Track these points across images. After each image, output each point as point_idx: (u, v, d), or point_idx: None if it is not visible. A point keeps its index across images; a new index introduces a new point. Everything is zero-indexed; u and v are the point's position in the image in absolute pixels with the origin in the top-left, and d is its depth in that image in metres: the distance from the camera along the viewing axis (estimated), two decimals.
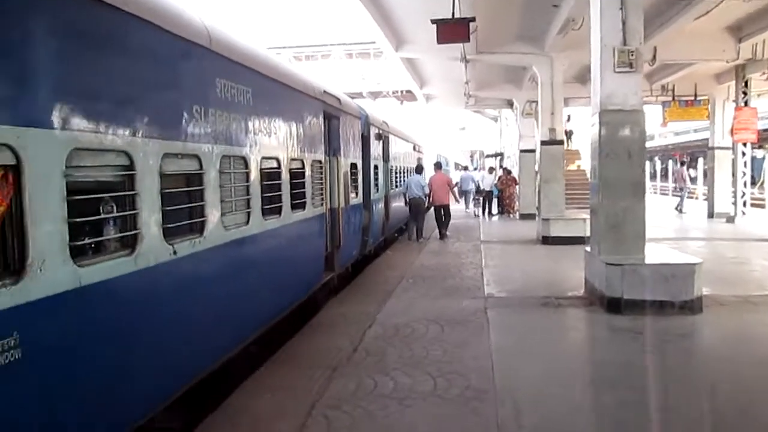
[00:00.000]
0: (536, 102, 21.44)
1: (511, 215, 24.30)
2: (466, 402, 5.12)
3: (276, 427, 4.73)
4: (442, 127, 52.34)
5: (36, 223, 3.16)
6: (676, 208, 24.26)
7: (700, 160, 34.89)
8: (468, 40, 10.26)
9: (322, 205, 9.05)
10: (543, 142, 16.01)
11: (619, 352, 6.44)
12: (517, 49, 15.77)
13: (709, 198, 22.14)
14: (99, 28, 3.84)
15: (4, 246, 3.10)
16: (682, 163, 28.26)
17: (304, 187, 7.99)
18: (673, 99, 22.36)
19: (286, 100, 7.55)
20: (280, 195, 7.10)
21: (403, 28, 15.10)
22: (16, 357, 2.97)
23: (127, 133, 4.02)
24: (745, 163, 20.76)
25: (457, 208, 21.74)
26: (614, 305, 7.82)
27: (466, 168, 36.56)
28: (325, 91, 9.31)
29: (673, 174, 29.43)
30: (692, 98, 22.12)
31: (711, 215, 21.64)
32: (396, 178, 17.41)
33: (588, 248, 9.18)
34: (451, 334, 7.18)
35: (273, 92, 7.02)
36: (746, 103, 19.69)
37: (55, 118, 3.34)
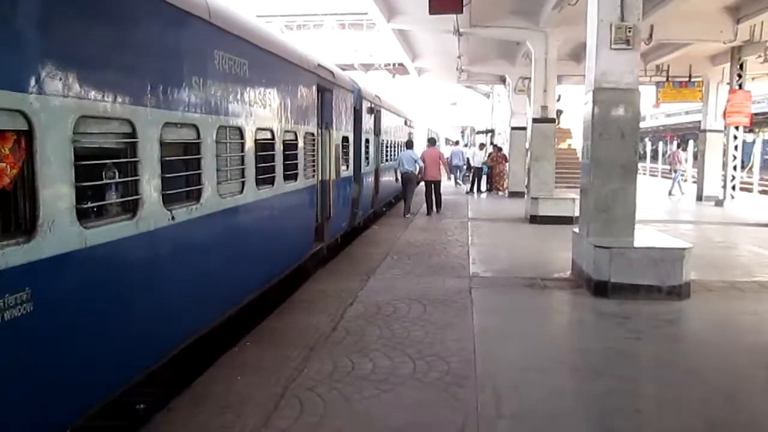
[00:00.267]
0: (529, 79, 21.16)
1: (500, 193, 24.12)
2: (445, 387, 4.94)
3: (244, 411, 4.52)
4: (434, 102, 51.84)
5: (46, 185, 3.34)
6: (670, 193, 24.15)
7: (690, 143, 34.90)
8: (461, 11, 9.95)
9: (313, 176, 9.21)
10: (535, 120, 15.75)
11: (604, 338, 6.28)
12: (512, 23, 15.42)
13: (699, 181, 22.06)
14: (109, 7, 4.01)
15: (16, 207, 3.30)
16: (678, 145, 28.06)
17: (296, 159, 8.13)
18: (667, 79, 22.11)
19: (281, 72, 7.65)
20: (273, 165, 7.24)
21: None
22: (28, 310, 3.18)
23: (130, 101, 4.15)
24: (736, 146, 20.67)
25: (446, 183, 21.61)
26: (601, 289, 7.67)
27: (456, 143, 36.16)
28: (319, 65, 9.37)
29: (666, 156, 29.18)
30: (686, 79, 21.89)
31: (700, 198, 21.58)
32: (387, 152, 17.43)
33: (576, 229, 9.00)
34: (434, 315, 7.00)
35: (269, 64, 7.12)
36: (740, 86, 19.53)
37: (64, 86, 3.48)
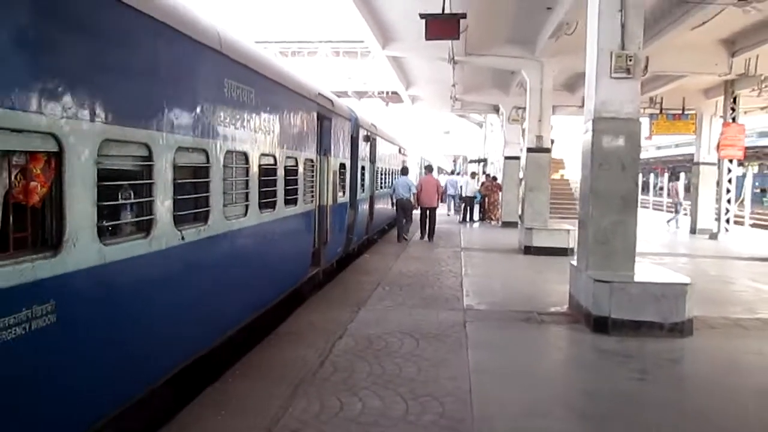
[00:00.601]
0: (523, 108, 21.11)
1: (493, 222, 23.92)
2: None
3: None
4: (427, 130, 51.96)
5: (72, 204, 3.55)
6: (668, 222, 24.07)
7: (682, 175, 34.93)
8: (457, 37, 9.79)
9: (312, 201, 9.52)
10: (529, 149, 15.59)
11: (607, 379, 5.96)
12: (507, 52, 15.35)
13: (693, 214, 21.93)
14: (132, 39, 4.32)
15: (43, 223, 3.49)
16: (676, 178, 27.89)
17: (296, 184, 8.41)
18: (661, 112, 22.13)
19: (285, 100, 7.92)
20: (275, 190, 7.48)
21: (391, 24, 14.61)
22: (52, 321, 3.34)
23: (147, 126, 4.39)
24: (729, 179, 20.56)
25: (439, 212, 21.37)
26: (601, 324, 7.37)
27: (452, 173, 35.90)
28: (319, 93, 9.74)
29: (669, 190, 29.09)
30: (680, 112, 21.91)
31: (693, 231, 21.43)
32: (381, 179, 17.75)
33: (574, 262, 8.72)
34: (427, 350, 6.67)
35: (273, 93, 7.40)
36: (734, 119, 19.49)
37: (91, 112, 3.73)
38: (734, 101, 19.43)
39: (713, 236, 19.94)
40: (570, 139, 30.22)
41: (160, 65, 4.70)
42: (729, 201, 20.41)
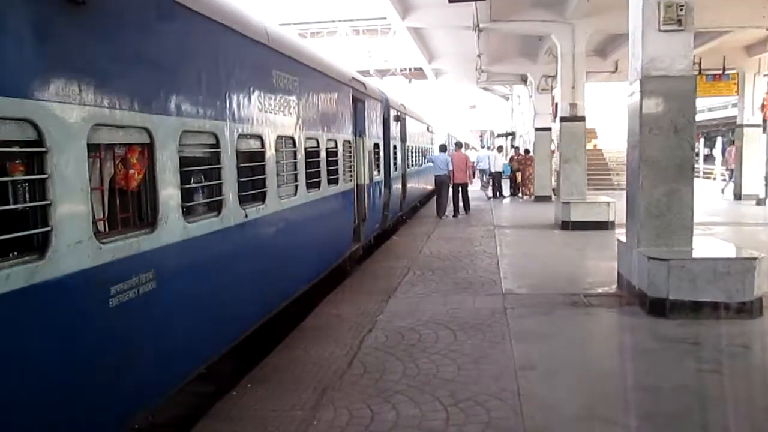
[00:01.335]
0: (553, 77, 20.15)
1: (525, 197, 23.10)
2: None
3: None
4: (452, 105, 50.86)
5: (162, 187, 4.14)
6: (722, 190, 22.93)
7: (718, 140, 33.45)
8: None
9: (351, 181, 10.07)
10: (563, 119, 14.67)
11: (672, 371, 5.22)
12: (536, 15, 14.39)
13: (737, 178, 20.80)
14: (204, 44, 4.92)
15: (139, 204, 4.08)
16: (731, 142, 26.14)
17: (337, 164, 8.99)
18: (699, 73, 20.87)
19: (324, 86, 8.40)
20: (319, 171, 8.04)
21: None
22: (153, 287, 3.96)
23: (215, 117, 4.95)
24: None
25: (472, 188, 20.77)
26: (658, 307, 6.63)
27: (487, 148, 34.23)
28: (353, 78, 10.30)
29: (724, 153, 27.60)
30: (720, 72, 20.64)
31: (738, 197, 20.35)
32: (412, 157, 18.19)
33: (621, 237, 7.95)
34: (466, 344, 6.01)
35: (314, 80, 7.90)
36: None
37: (175, 107, 4.35)
38: None
39: (761, 202, 18.85)
40: (602, 107, 28.99)
41: (224, 65, 5.23)
42: None
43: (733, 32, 16.25)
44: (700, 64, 20.98)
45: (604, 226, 13.45)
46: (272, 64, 6.33)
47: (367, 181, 11.09)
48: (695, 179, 7.53)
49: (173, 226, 4.29)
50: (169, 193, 4.25)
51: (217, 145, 5.00)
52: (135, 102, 3.85)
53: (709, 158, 37.88)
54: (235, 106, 5.33)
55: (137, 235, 3.89)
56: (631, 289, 7.29)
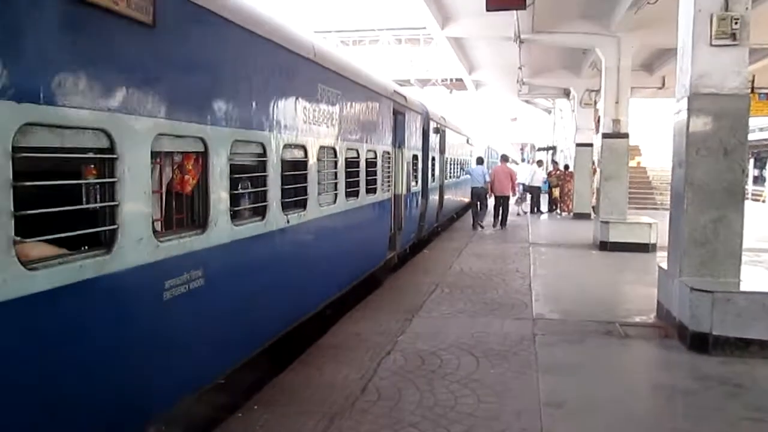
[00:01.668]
0: (596, 91, 19.54)
1: (563, 213, 22.49)
2: None
3: None
4: (492, 117, 50.22)
5: (213, 192, 4.44)
6: None
7: None
8: (524, 6, 8.61)
9: (389, 190, 10.30)
10: (605, 135, 14.12)
11: (714, 417, 4.75)
12: (580, 28, 13.92)
13: None
14: (258, 59, 5.28)
15: (192, 207, 4.38)
16: (762, 165, 25.31)
17: (376, 174, 9.26)
18: (752, 91, 19.97)
19: (365, 99, 8.69)
20: (358, 180, 8.33)
21: (450, 0, 13.44)
22: (201, 284, 4.27)
23: (262, 128, 5.27)
24: None
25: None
26: (700, 342, 6.15)
27: (540, 162, 32.38)
28: (395, 91, 10.58)
29: None
30: None
31: None
32: (450, 169, 18.27)
33: (663, 264, 7.47)
34: (489, 373, 5.64)
35: (356, 93, 8.22)
36: None
37: (227, 119, 4.65)
38: None
39: None
40: (647, 124, 28.17)
41: (273, 79, 5.61)
42: None
43: None
44: (753, 81, 20.09)
45: (645, 248, 12.88)
46: (317, 79, 6.69)
47: (404, 192, 11.38)
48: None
49: (222, 229, 4.63)
50: (220, 197, 4.60)
51: (264, 154, 5.35)
52: (192, 114, 4.23)
53: (758, 179, 36.53)
54: (281, 117, 5.68)
55: (190, 235, 4.25)
56: (672, 320, 6.81)
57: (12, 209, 2.76)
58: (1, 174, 2.72)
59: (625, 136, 14.06)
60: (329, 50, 7.41)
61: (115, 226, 3.44)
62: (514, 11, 11.21)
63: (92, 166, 3.42)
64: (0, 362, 2.74)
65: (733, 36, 6.34)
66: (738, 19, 6.29)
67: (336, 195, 7.43)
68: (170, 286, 3.95)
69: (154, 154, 3.82)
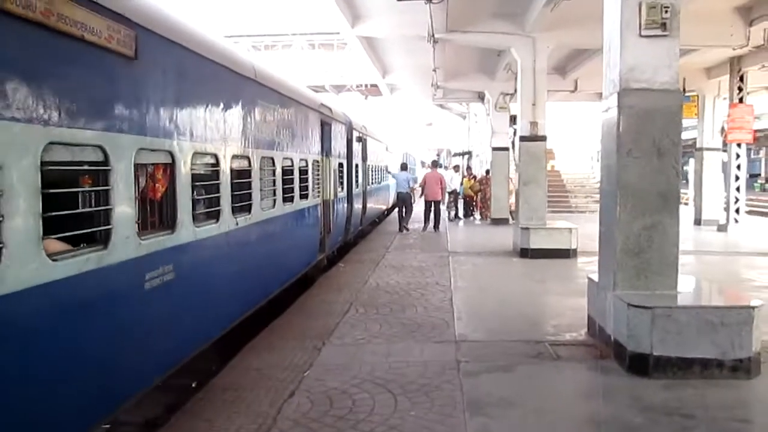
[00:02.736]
0: (511, 94, 19.31)
1: (479, 219, 22.18)
2: None
3: None
4: (408, 123, 50.02)
5: (180, 198, 5.16)
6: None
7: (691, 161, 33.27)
8: None
9: (318, 196, 11.00)
10: (522, 138, 13.68)
11: None
12: (495, 27, 13.42)
13: (696, 203, 20.23)
14: (206, 79, 6.02)
15: (162, 211, 5.08)
16: None
17: (308, 181, 10.03)
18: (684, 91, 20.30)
19: (298, 112, 9.50)
20: (293, 187, 9.04)
21: None
22: (172, 277, 4.99)
23: (216, 142, 6.02)
24: (738, 165, 18.91)
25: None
26: (639, 363, 5.54)
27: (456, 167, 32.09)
28: (322, 103, 11.38)
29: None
30: None
31: (698, 222, 19.75)
32: (372, 175, 19.18)
33: (593, 275, 6.88)
34: (409, 417, 4.78)
35: (291, 107, 9.01)
36: (741, 100, 17.83)
37: (191, 135, 5.47)
38: (741, 80, 17.79)
39: (722, 228, 18.26)
40: (559, 127, 28.38)
41: (223, 99, 6.25)
42: (738, 189, 18.79)
43: (693, 53, 15.62)
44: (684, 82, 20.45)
45: (566, 254, 12.52)
46: (257, 96, 7.38)
47: (332, 197, 12.09)
48: None
49: (187, 229, 5.31)
50: (184, 202, 5.24)
51: (217, 164, 6.04)
52: (163, 130, 4.90)
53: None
54: (230, 132, 6.34)
55: (162, 235, 4.92)
56: (606, 338, 6.20)
57: (41, 211, 3.38)
58: (33, 184, 3.32)
59: (543, 138, 13.67)
60: (269, 70, 8.18)
61: (110, 227, 4.11)
62: (427, 7, 10.53)
63: (87, 176, 4.15)
64: (33, 334, 3.38)
65: (663, 26, 5.80)
66: (668, 7, 5.76)
67: (274, 200, 8.16)
68: (149, 278, 4.66)
69: (138, 167, 4.54)
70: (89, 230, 3.99)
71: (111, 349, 4.17)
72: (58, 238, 3.71)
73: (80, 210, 4.03)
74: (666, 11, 5.75)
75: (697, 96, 19.94)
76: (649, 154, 5.91)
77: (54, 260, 3.50)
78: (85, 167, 4.00)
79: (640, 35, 5.85)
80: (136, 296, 4.49)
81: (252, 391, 5.51)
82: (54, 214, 3.52)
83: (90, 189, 4.11)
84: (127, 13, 4.33)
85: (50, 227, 3.50)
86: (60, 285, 3.53)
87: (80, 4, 3.74)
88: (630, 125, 5.93)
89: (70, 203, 3.86)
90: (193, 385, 6.23)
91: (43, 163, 3.36)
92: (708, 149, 19.82)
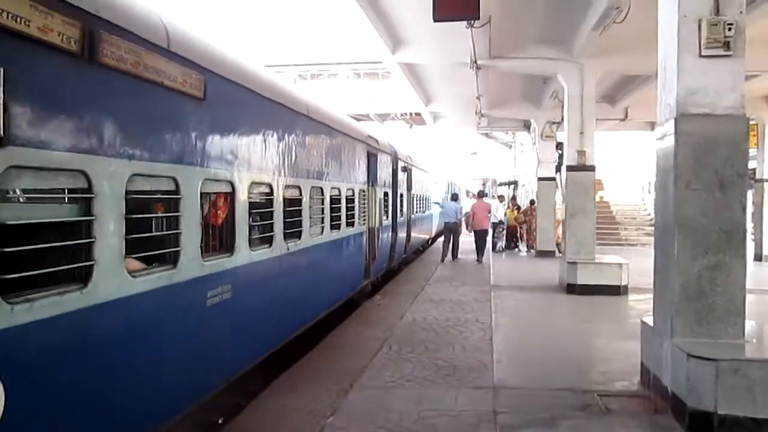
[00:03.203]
0: (558, 123, 18.67)
1: (524, 251, 21.45)
2: None
3: None
4: (452, 152, 49.57)
5: (238, 224, 5.60)
6: None
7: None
8: (477, 15, 7.41)
9: (364, 224, 11.48)
10: (570, 168, 13.04)
11: None
12: (540, 53, 12.92)
13: (757, 238, 19.11)
14: (262, 116, 6.53)
15: (222, 236, 5.49)
16: None
17: (354, 210, 10.50)
18: None
19: (346, 144, 9.99)
20: (340, 215, 9.53)
21: (400, 22, 12.33)
22: (229, 296, 5.38)
23: (271, 171, 6.53)
24: None
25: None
26: (701, 422, 4.90)
27: (501, 197, 31.38)
28: (369, 135, 11.89)
29: None
30: None
31: (758, 258, 18.62)
32: (416, 204, 19.54)
33: (648, 319, 6.25)
34: None
35: (339, 140, 9.50)
36: None
37: (248, 167, 5.94)
38: None
39: None
40: (608, 157, 27.44)
41: (279, 133, 6.79)
42: None
43: (752, 79, 14.78)
44: None
45: (617, 290, 11.77)
46: (309, 130, 7.87)
47: (377, 225, 12.48)
48: None
49: (244, 253, 5.75)
50: (242, 228, 5.69)
51: (271, 192, 6.51)
52: (225, 162, 5.37)
53: None
54: (283, 164, 6.85)
55: (222, 257, 5.35)
56: (662, 390, 5.55)
57: (124, 234, 3.84)
58: (119, 210, 3.81)
59: (591, 168, 13.01)
60: (318, 105, 8.56)
61: (178, 248, 4.56)
62: (469, 32, 10.14)
63: (159, 204, 4.67)
64: (117, 339, 3.86)
65: (727, 45, 5.24)
66: (732, 24, 5.21)
67: (323, 227, 8.60)
68: (211, 296, 5.09)
69: (203, 195, 5.01)
70: (162, 251, 4.44)
71: (177, 358, 4.65)
72: (136, 258, 4.14)
73: (155, 233, 4.49)
74: (729, 29, 5.19)
75: (757, 124, 18.97)
76: (711, 186, 5.31)
77: (134, 276, 4.01)
78: (159, 195, 4.54)
79: (700, 55, 5.30)
80: (199, 312, 4.96)
81: None
82: (134, 236, 3.99)
83: (163, 215, 4.61)
84: (198, 60, 4.87)
85: (130, 248, 3.95)
86: (138, 298, 4.04)
87: (162, 55, 4.31)
88: (689, 154, 5.35)
89: (146, 227, 4.38)
90: (220, 421, 5.91)
91: (126, 192, 3.87)
92: None
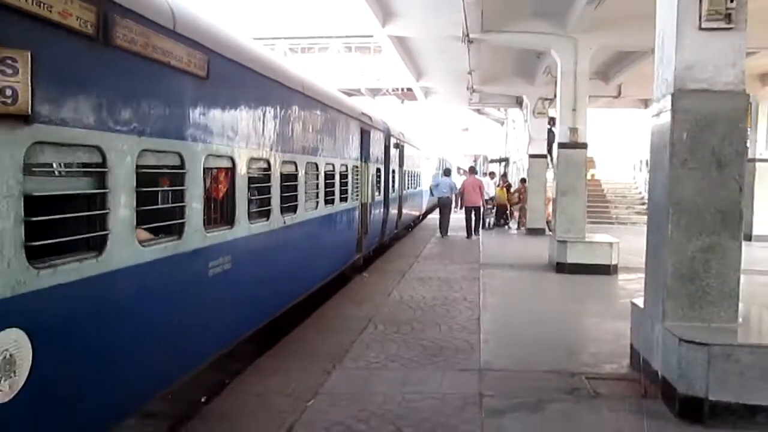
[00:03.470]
0: (550, 99, 18.41)
1: (514, 228, 21.34)
2: None
3: None
4: (444, 128, 49.21)
5: (238, 198, 5.86)
6: None
7: None
8: None
9: (357, 199, 11.65)
10: (561, 145, 12.83)
11: None
12: (533, 27, 12.61)
13: (747, 218, 19.00)
14: (259, 92, 6.67)
15: (223, 209, 5.73)
16: None
17: (347, 185, 10.73)
18: None
19: (340, 121, 10.18)
20: (334, 190, 9.77)
21: None
22: (229, 267, 5.64)
23: (268, 148, 6.72)
24: None
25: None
26: (692, 408, 4.77)
27: (492, 174, 31.20)
28: (362, 112, 12.06)
29: None
30: None
31: (749, 238, 18.55)
32: (408, 180, 19.67)
33: (638, 301, 6.10)
34: None
35: (333, 116, 9.70)
36: None
37: (247, 143, 6.14)
38: None
39: None
40: (601, 135, 27.25)
41: (276, 110, 6.99)
42: None
43: (748, 57, 14.58)
44: None
45: (606, 270, 11.65)
46: (304, 107, 8.03)
47: (370, 201, 12.73)
48: None
49: (243, 226, 5.98)
50: (242, 202, 5.91)
51: (268, 168, 6.74)
52: (226, 139, 5.58)
53: None
54: (280, 140, 7.04)
55: (224, 229, 5.61)
56: (652, 374, 5.42)
57: (135, 206, 4.13)
58: (131, 183, 4.08)
59: (584, 146, 12.81)
60: (313, 82, 8.72)
61: (184, 220, 4.81)
62: (461, 4, 9.85)
63: (165, 178, 4.85)
64: (128, 304, 4.19)
65: (728, 17, 5.02)
66: None
67: (317, 202, 8.86)
68: (212, 266, 5.33)
69: (206, 170, 5.25)
70: (169, 222, 4.68)
71: (182, 324, 4.90)
72: (145, 228, 4.37)
73: (162, 206, 4.73)
74: (732, 0, 4.96)
75: (750, 103, 18.79)
76: (708, 165, 5.13)
77: (143, 246, 4.26)
78: (165, 170, 4.74)
79: (700, 28, 5.08)
80: (202, 281, 5.22)
81: (248, 421, 4.97)
82: (143, 208, 4.24)
83: (169, 188, 4.84)
84: (201, 40, 5.06)
85: (139, 219, 4.19)
86: (147, 266, 4.29)
87: (168, 36, 4.51)
88: (686, 131, 5.15)
89: (153, 200, 4.61)
90: (203, 400, 5.78)
91: (137, 167, 4.12)
92: (761, 160, 18.63)
